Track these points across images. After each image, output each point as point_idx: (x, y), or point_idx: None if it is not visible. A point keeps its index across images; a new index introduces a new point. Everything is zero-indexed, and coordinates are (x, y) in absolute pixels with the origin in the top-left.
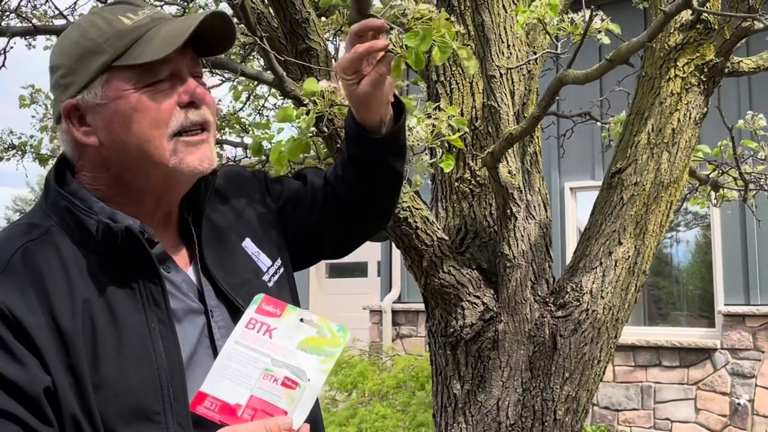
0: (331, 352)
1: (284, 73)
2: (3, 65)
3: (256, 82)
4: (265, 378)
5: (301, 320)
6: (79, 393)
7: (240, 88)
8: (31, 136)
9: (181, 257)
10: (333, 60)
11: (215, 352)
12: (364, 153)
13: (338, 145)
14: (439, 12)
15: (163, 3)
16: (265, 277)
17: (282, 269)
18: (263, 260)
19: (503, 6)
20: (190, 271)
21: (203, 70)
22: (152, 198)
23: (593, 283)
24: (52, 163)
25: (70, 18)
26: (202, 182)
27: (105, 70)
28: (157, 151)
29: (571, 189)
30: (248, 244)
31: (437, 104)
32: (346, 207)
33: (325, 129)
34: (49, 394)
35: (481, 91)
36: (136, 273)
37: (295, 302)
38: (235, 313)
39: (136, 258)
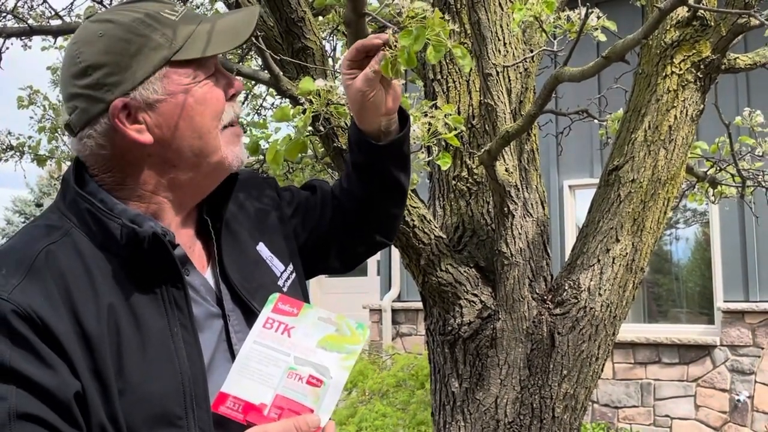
0: (352, 349)
1: (280, 73)
2: None
3: (253, 82)
4: (289, 377)
5: (319, 319)
6: (105, 398)
7: None
8: (29, 137)
9: (198, 259)
10: (330, 59)
11: (233, 357)
12: (365, 161)
13: (335, 144)
14: (434, 10)
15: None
16: (280, 282)
17: (294, 275)
18: (276, 265)
19: (499, 4)
20: (207, 274)
21: None
22: (183, 198)
23: (591, 280)
24: (50, 164)
25: (67, 18)
26: (223, 183)
27: (163, 65)
28: (215, 142)
29: (570, 187)
30: (262, 248)
31: (434, 102)
32: (349, 219)
33: (322, 128)
34: (78, 399)
35: (477, 89)
36: (159, 277)
37: None
38: (250, 317)
39: (160, 262)
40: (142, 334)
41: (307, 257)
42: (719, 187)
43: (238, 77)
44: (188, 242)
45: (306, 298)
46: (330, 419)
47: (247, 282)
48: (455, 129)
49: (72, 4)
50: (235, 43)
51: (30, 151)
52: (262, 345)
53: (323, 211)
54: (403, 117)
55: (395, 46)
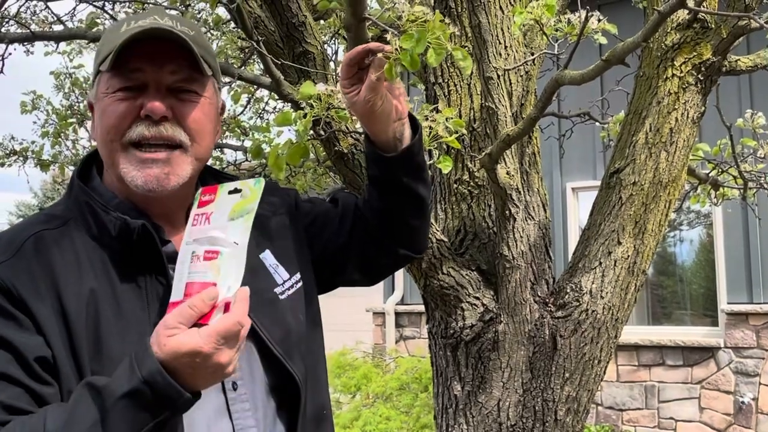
0: (251, 208)
1: (281, 77)
2: (1, 71)
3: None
4: (192, 261)
5: (229, 194)
6: (77, 373)
7: (239, 90)
8: (33, 142)
9: None
10: (331, 63)
11: None
12: (380, 174)
13: (336, 148)
14: (434, 14)
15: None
16: (278, 290)
17: (300, 284)
18: (281, 273)
19: (500, 7)
20: None
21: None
22: (139, 201)
23: (593, 283)
24: (53, 168)
25: (69, 24)
26: None
27: (98, 73)
28: (114, 155)
29: (573, 189)
30: (267, 256)
31: (435, 106)
32: (372, 232)
33: (323, 132)
34: (48, 364)
35: (479, 92)
36: (145, 270)
37: (315, 320)
38: None
39: (147, 255)
40: (123, 323)
41: (324, 269)
42: (721, 189)
43: (155, 102)
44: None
45: (313, 310)
46: (241, 286)
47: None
48: (456, 132)
49: (74, 9)
50: (105, 66)
51: (33, 155)
52: (190, 243)
53: (342, 224)
54: (414, 124)
55: (398, 48)
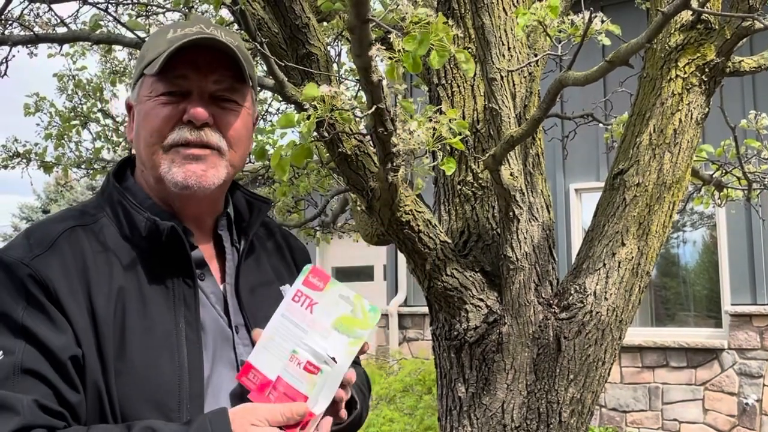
0: (360, 334)
1: (285, 79)
2: (5, 74)
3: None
4: (291, 360)
5: (340, 296)
6: (103, 372)
7: None
8: (36, 144)
9: (216, 270)
10: (334, 64)
11: (238, 367)
12: None
13: (339, 150)
14: (437, 16)
15: (165, 11)
16: None
17: None
18: None
19: (503, 8)
20: (222, 286)
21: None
22: (174, 204)
23: (597, 284)
24: (57, 170)
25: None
26: (255, 209)
27: (141, 76)
28: (155, 157)
29: (577, 190)
30: (286, 289)
31: (438, 107)
32: None
33: (326, 133)
34: (78, 365)
35: (482, 93)
36: (173, 272)
37: None
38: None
39: (176, 258)
40: (148, 323)
41: None
42: (725, 190)
43: (198, 108)
44: (209, 251)
45: None
46: (324, 413)
47: (256, 308)
48: (460, 134)
49: (78, 11)
50: (151, 70)
51: (37, 158)
52: (288, 319)
53: None
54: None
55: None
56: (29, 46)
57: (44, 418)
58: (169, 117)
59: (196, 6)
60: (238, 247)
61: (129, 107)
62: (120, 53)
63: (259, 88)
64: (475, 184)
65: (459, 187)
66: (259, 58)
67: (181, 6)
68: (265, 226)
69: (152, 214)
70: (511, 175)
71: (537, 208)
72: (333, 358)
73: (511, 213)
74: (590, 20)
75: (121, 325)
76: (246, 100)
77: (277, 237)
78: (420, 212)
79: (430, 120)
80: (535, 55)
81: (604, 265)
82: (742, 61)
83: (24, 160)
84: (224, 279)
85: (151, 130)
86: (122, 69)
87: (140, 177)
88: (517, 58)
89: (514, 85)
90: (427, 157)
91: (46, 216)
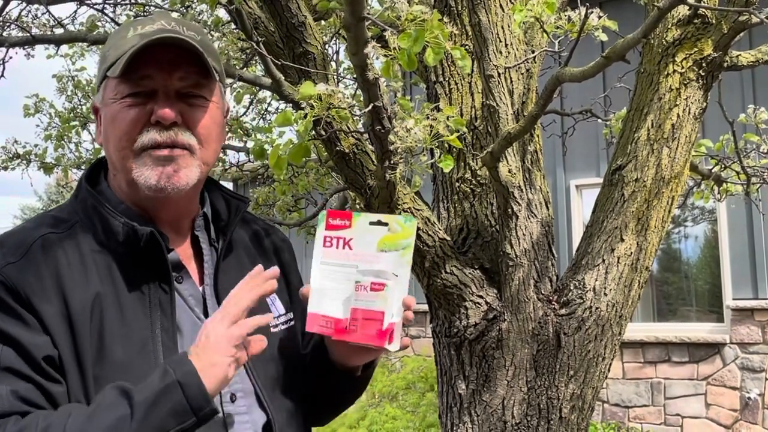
0: (407, 243)
1: (282, 77)
2: (2, 75)
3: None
4: (357, 290)
5: (370, 224)
6: (81, 377)
7: (241, 91)
8: (36, 145)
9: (194, 271)
10: (333, 63)
11: None
12: (333, 381)
13: (337, 148)
14: (432, 13)
15: (162, 11)
16: (272, 322)
17: (293, 323)
18: (278, 306)
19: (500, 5)
20: (201, 288)
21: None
22: (147, 208)
23: (596, 280)
24: (57, 171)
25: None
26: (232, 207)
27: (104, 78)
28: (125, 161)
29: (577, 186)
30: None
31: (436, 105)
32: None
33: (323, 132)
34: (54, 365)
35: (480, 90)
36: (150, 277)
37: (296, 367)
38: None
39: (153, 262)
40: (125, 329)
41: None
42: (724, 184)
43: (165, 108)
44: (185, 253)
45: (300, 355)
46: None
47: None
48: (457, 131)
49: (75, 12)
50: (114, 72)
51: (37, 159)
52: (329, 264)
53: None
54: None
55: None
56: (27, 47)
57: (23, 408)
58: (137, 119)
59: (192, 5)
60: (216, 247)
61: (95, 110)
62: None
63: (256, 87)
64: (474, 182)
65: (457, 184)
66: (256, 56)
67: (177, 5)
68: (246, 223)
69: (128, 218)
70: (510, 171)
71: (536, 205)
72: (395, 275)
73: (509, 210)
74: (587, 16)
75: (98, 331)
76: (214, 94)
77: (258, 233)
78: (419, 210)
79: (428, 117)
80: (533, 52)
81: (603, 260)
82: (740, 55)
83: (24, 162)
84: (203, 280)
85: (120, 134)
86: None
87: (113, 180)
88: (515, 55)
89: (511, 81)
90: (425, 155)
91: (20, 223)
